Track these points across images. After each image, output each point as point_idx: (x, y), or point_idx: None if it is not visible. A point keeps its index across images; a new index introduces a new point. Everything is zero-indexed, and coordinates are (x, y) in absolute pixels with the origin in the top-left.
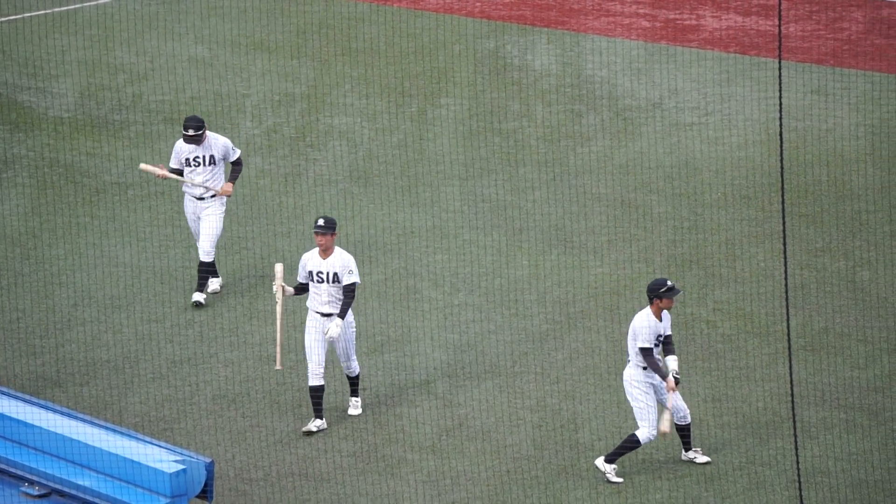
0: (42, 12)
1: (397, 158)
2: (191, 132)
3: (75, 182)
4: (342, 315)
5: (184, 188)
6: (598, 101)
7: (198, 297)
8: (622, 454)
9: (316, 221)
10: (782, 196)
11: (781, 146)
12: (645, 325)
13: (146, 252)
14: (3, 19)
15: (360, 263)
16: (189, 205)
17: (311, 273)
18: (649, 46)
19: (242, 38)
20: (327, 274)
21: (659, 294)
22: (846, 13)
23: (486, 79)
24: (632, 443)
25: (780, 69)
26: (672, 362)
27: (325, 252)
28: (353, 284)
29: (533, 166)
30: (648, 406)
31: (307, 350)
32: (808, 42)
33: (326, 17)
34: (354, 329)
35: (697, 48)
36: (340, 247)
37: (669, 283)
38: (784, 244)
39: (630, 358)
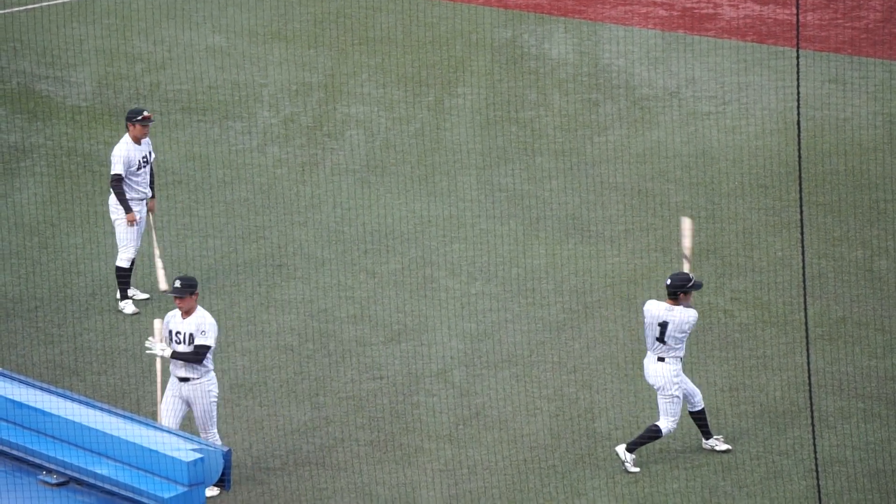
0: (60, 1)
1: (414, 148)
2: (150, 118)
3: (93, 171)
4: (177, 354)
5: (133, 194)
6: (615, 91)
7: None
8: (643, 444)
9: (173, 283)
10: (800, 185)
11: (799, 135)
12: (693, 318)
13: (163, 241)
14: (20, 8)
15: (376, 253)
16: (136, 207)
17: (171, 332)
18: (666, 35)
19: (260, 27)
20: (185, 335)
21: (686, 289)
22: (864, 1)
23: (503, 68)
24: (654, 433)
25: (797, 58)
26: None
27: (187, 313)
28: (204, 347)
29: (550, 155)
30: (680, 400)
31: (160, 417)
32: (825, 31)
33: (343, 7)
34: (216, 400)
35: (715, 37)
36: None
37: (693, 277)
38: (801, 233)
39: (662, 352)
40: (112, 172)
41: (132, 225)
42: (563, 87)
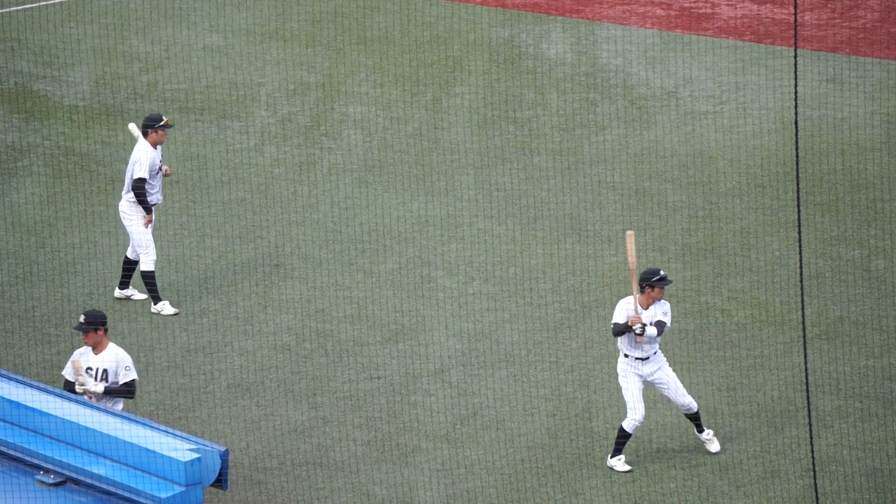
0: (57, 1)
1: (412, 147)
2: (169, 124)
3: (90, 171)
4: (111, 390)
5: (151, 198)
6: (612, 90)
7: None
8: (621, 446)
9: (79, 318)
10: (797, 185)
11: (797, 135)
12: (621, 306)
13: (161, 241)
14: (18, 8)
15: (374, 253)
16: (146, 214)
17: (84, 369)
18: (664, 35)
19: (257, 26)
20: (97, 370)
21: (651, 282)
22: (861, 1)
23: (501, 67)
24: (621, 433)
25: (795, 58)
26: (649, 328)
27: (97, 348)
28: (133, 382)
29: (547, 155)
30: (630, 391)
31: None
32: (823, 30)
33: (341, 6)
34: None
35: (712, 37)
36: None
37: (662, 272)
38: (799, 233)
39: (618, 347)
40: (136, 176)
41: (147, 227)
42: (561, 87)
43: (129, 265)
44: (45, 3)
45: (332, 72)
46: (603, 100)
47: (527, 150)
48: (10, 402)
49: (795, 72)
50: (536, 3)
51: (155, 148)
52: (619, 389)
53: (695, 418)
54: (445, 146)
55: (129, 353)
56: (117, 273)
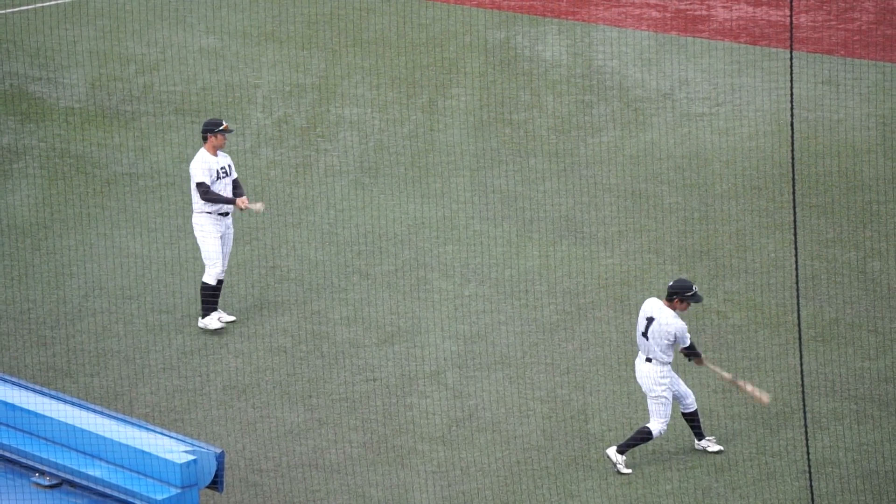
0: (52, 3)
1: (407, 149)
2: (229, 128)
3: (86, 173)
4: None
5: (213, 207)
6: (608, 92)
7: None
8: (634, 446)
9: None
10: (793, 187)
11: (792, 137)
12: (682, 326)
13: (156, 243)
14: (13, 10)
15: (370, 254)
16: (219, 224)
17: None
18: (660, 37)
19: (253, 28)
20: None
21: (684, 297)
22: (857, 3)
23: (497, 69)
24: (644, 434)
25: (791, 59)
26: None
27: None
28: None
29: (543, 157)
30: (668, 402)
31: None
32: (818, 32)
33: (337, 8)
34: None
35: (708, 38)
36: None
37: (695, 288)
38: (794, 235)
39: (651, 354)
40: (196, 181)
41: (244, 208)
42: (557, 89)
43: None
44: (40, 4)
45: (328, 74)
46: (599, 102)
47: (522, 152)
48: (6, 404)
49: (791, 74)
50: (532, 5)
51: (215, 154)
52: (614, 392)
53: (694, 422)
54: (441, 148)
55: (125, 356)
56: (113, 275)
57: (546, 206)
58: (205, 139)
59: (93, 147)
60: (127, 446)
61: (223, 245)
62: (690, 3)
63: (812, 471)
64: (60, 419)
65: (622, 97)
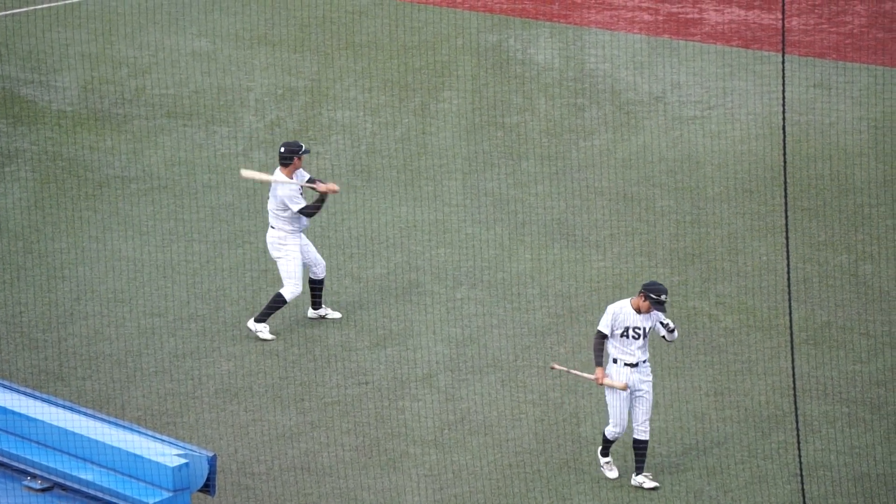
0: (44, 6)
1: (399, 152)
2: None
3: (78, 176)
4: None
5: (294, 226)
6: (600, 95)
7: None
8: (607, 448)
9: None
10: (785, 190)
11: (784, 140)
12: (609, 310)
13: (148, 246)
14: (5, 13)
15: (362, 258)
16: (300, 239)
17: None
18: (651, 40)
19: (245, 31)
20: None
21: (648, 296)
22: (848, 7)
23: (489, 73)
24: (605, 441)
25: (783, 63)
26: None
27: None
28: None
29: (535, 160)
30: (614, 405)
31: None
32: (810, 36)
33: (329, 11)
34: None
35: (700, 42)
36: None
37: (664, 297)
38: (786, 238)
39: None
40: (297, 210)
41: (337, 189)
42: (549, 92)
43: (316, 285)
44: (32, 7)
45: (320, 77)
46: (590, 105)
47: (514, 155)
48: None
49: (783, 77)
50: (524, 8)
51: (292, 176)
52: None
53: (639, 452)
54: (433, 151)
55: (117, 359)
56: (105, 278)
57: (538, 209)
58: (289, 161)
59: (84, 150)
60: (119, 450)
61: (307, 253)
62: (682, 7)
63: (804, 474)
64: (52, 422)
65: (614, 100)
